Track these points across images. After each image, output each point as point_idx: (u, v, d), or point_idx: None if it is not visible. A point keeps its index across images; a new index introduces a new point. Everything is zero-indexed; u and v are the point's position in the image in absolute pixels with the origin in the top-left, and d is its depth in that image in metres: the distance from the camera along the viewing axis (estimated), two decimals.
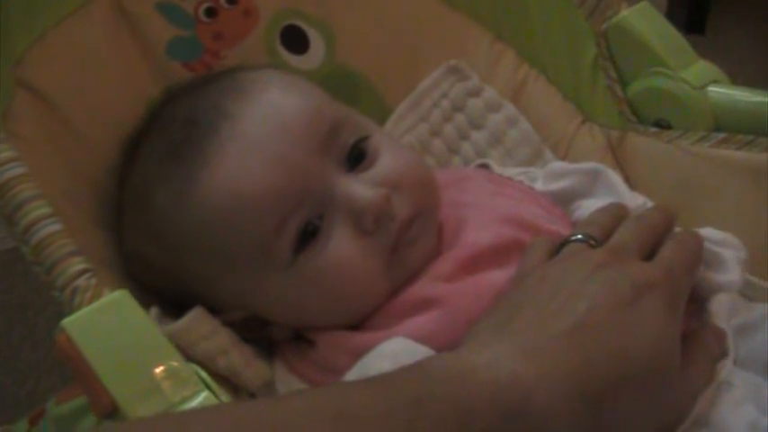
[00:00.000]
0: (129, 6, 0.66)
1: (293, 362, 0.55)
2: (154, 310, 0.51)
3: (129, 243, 0.58)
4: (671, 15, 1.30)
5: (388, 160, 0.56)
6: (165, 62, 0.68)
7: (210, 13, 0.70)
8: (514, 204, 0.60)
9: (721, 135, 0.62)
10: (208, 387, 0.42)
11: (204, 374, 0.43)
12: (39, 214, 0.49)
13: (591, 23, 0.68)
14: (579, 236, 0.50)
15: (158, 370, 0.42)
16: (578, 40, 0.70)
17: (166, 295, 0.56)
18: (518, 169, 0.68)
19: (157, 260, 0.56)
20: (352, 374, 0.47)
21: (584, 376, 0.41)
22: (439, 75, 0.74)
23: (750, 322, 0.52)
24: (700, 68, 0.65)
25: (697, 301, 0.52)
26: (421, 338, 0.48)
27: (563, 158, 0.71)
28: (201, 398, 0.41)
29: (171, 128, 0.57)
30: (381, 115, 0.73)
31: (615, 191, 0.61)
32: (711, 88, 0.63)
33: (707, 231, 0.53)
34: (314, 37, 0.74)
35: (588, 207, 0.58)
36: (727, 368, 0.48)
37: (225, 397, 0.43)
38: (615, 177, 0.62)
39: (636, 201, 0.60)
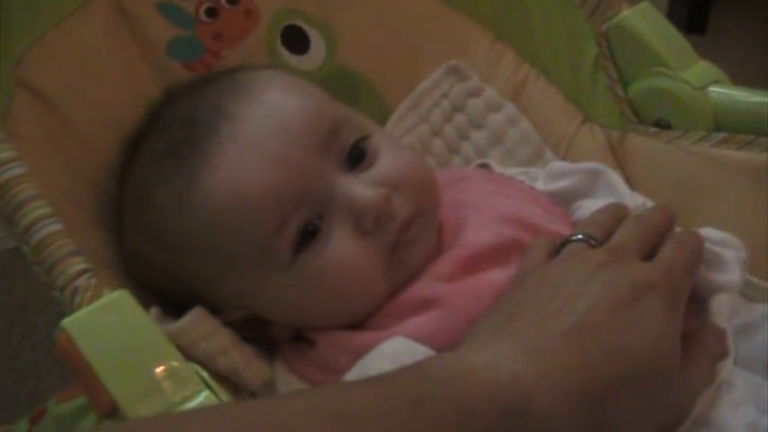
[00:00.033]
0: (129, 6, 0.66)
1: (293, 362, 0.55)
2: (154, 310, 0.51)
3: (129, 243, 0.58)
4: (672, 15, 1.30)
5: (388, 160, 0.56)
6: (165, 62, 0.68)
7: (211, 13, 0.70)
8: (515, 204, 0.60)
9: (722, 135, 0.62)
10: (208, 387, 0.42)
11: (204, 374, 0.43)
12: (39, 214, 0.49)
13: (592, 23, 0.68)
14: (579, 236, 0.50)
15: (159, 370, 0.42)
16: (579, 40, 0.70)
17: (166, 295, 0.56)
18: (519, 169, 0.68)
19: (157, 260, 0.56)
20: (353, 374, 0.47)
21: (584, 376, 0.41)
22: (439, 75, 0.74)
23: (750, 322, 0.52)
24: (700, 69, 0.65)
25: (697, 301, 0.52)
26: (421, 338, 0.48)
27: (563, 158, 0.71)
28: (202, 398, 0.41)
29: (171, 128, 0.57)
30: (382, 115, 0.73)
31: (616, 191, 0.61)
32: (712, 88, 0.63)
33: (707, 231, 0.53)
34: (314, 37, 0.74)
35: (589, 207, 0.58)
36: (727, 368, 0.48)
37: (225, 397, 0.43)
38: (616, 177, 0.62)
39: (636, 201, 0.60)
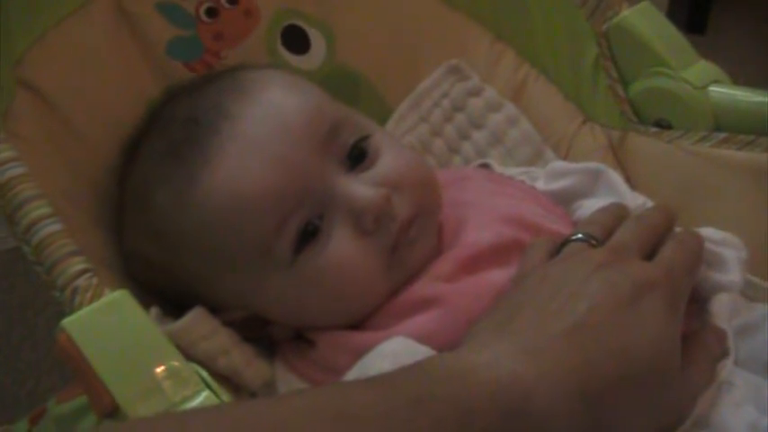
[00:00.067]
0: (130, 6, 0.67)
1: (294, 361, 0.55)
2: (154, 310, 0.51)
3: (130, 243, 0.58)
4: (672, 15, 1.30)
5: (388, 160, 0.56)
6: (165, 62, 0.68)
7: (211, 13, 0.70)
8: (515, 204, 0.60)
9: (722, 135, 0.62)
10: (208, 387, 0.42)
11: (205, 374, 0.43)
12: (39, 214, 0.49)
13: (592, 23, 0.68)
14: (580, 235, 0.50)
15: (159, 370, 0.42)
16: (579, 40, 0.69)
17: (167, 295, 0.56)
18: (519, 169, 0.68)
19: (157, 260, 0.56)
20: (353, 374, 0.47)
21: (584, 376, 0.41)
22: (439, 75, 0.74)
23: (751, 322, 0.52)
24: (701, 68, 0.65)
25: (698, 301, 0.52)
26: (421, 338, 0.48)
27: (564, 158, 0.71)
28: (202, 397, 0.41)
29: (171, 128, 0.57)
30: (382, 115, 0.73)
31: (616, 191, 0.61)
32: (712, 88, 0.63)
33: (707, 231, 0.53)
34: (315, 37, 0.74)
35: (589, 207, 0.58)
36: (727, 368, 0.48)
37: (225, 396, 0.43)
38: (616, 177, 0.62)
39: (636, 201, 0.60)
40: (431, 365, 0.40)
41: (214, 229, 0.52)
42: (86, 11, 0.64)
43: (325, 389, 0.40)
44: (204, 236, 0.53)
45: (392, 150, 0.57)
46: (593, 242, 0.50)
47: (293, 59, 0.73)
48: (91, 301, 0.46)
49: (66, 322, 0.43)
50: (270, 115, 0.54)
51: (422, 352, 0.47)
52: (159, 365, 0.42)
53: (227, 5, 0.70)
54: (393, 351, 0.47)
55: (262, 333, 0.56)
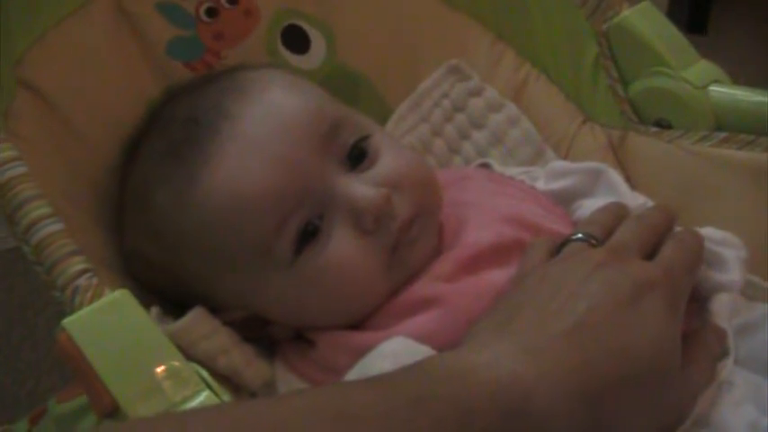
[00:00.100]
0: (130, 6, 0.67)
1: (294, 361, 0.55)
2: (154, 310, 0.51)
3: (130, 243, 0.58)
4: (672, 15, 1.30)
5: (388, 160, 0.56)
6: (165, 62, 0.68)
7: (211, 12, 0.70)
8: (515, 204, 0.60)
9: (722, 135, 0.62)
10: (209, 387, 0.42)
11: (205, 374, 0.43)
12: (39, 214, 0.49)
13: (592, 23, 0.68)
14: (580, 235, 0.51)
15: (159, 369, 0.42)
16: (579, 39, 0.70)
17: (167, 295, 0.56)
18: (520, 169, 0.68)
19: (158, 260, 0.56)
20: (353, 374, 0.47)
21: (584, 376, 0.41)
22: (440, 75, 0.74)
23: (751, 322, 0.52)
24: (701, 68, 0.65)
25: (698, 300, 0.52)
26: (421, 338, 0.48)
27: (564, 158, 0.71)
28: (202, 397, 0.41)
29: (171, 127, 0.57)
30: (382, 115, 0.73)
31: (616, 190, 0.61)
32: (712, 88, 0.63)
33: (707, 231, 0.53)
34: (315, 37, 0.74)
35: (589, 206, 0.58)
36: (727, 368, 0.48)
37: (226, 396, 0.43)
38: (616, 177, 0.62)
39: (636, 200, 0.60)
40: (431, 365, 0.40)
41: (214, 228, 0.52)
42: (86, 11, 0.64)
43: (326, 389, 0.40)
44: (204, 236, 0.53)
45: (392, 150, 0.57)
46: (593, 242, 0.50)
47: (293, 59, 0.73)
48: (91, 301, 0.46)
49: (67, 322, 0.43)
50: (270, 115, 0.54)
51: (422, 352, 0.46)
52: (159, 365, 0.42)
53: (226, 5, 0.70)
54: (393, 351, 0.47)
55: (262, 333, 0.56)
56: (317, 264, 0.53)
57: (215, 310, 0.53)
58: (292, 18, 0.73)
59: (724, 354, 0.49)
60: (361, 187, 0.53)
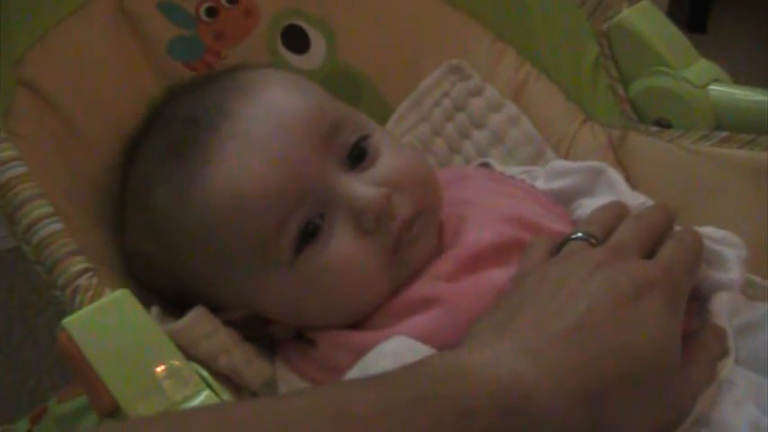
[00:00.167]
0: (130, 6, 0.67)
1: (294, 361, 0.55)
2: (155, 310, 0.51)
3: (130, 242, 0.58)
4: (672, 14, 1.30)
5: (389, 159, 0.56)
6: (166, 62, 0.68)
7: (211, 12, 0.70)
8: (515, 203, 0.60)
9: (722, 134, 0.62)
10: (209, 386, 0.42)
11: (205, 373, 0.43)
12: (39, 213, 0.49)
13: (592, 23, 0.68)
14: (580, 234, 0.51)
15: (159, 369, 0.42)
16: (579, 39, 0.70)
17: (167, 294, 0.56)
18: (520, 168, 0.68)
19: (158, 259, 0.56)
20: (353, 373, 0.47)
21: (584, 375, 0.41)
22: (440, 74, 0.74)
23: (752, 321, 0.52)
24: (701, 67, 0.65)
25: (698, 299, 0.52)
26: (421, 337, 0.48)
27: (564, 158, 0.71)
28: (203, 397, 0.41)
29: (172, 127, 0.57)
30: (382, 114, 0.73)
31: (616, 190, 0.61)
32: (713, 87, 0.63)
33: (707, 230, 0.53)
34: (315, 36, 0.74)
35: (589, 206, 0.58)
36: (728, 367, 0.48)
37: (226, 396, 0.43)
38: (616, 176, 0.62)
39: (636, 200, 0.60)
40: (431, 365, 0.40)
41: (214, 228, 0.52)
42: (87, 11, 0.64)
43: (326, 388, 0.40)
44: (205, 235, 0.53)
45: (392, 150, 0.57)
46: (593, 241, 0.50)
47: (293, 59, 0.73)
48: (92, 301, 0.46)
49: (67, 322, 0.43)
50: (270, 114, 0.54)
51: (422, 351, 0.47)
52: (160, 365, 0.42)
53: (226, 5, 0.70)
54: (393, 350, 0.47)
55: (262, 332, 0.56)
56: (318, 263, 0.53)
57: (215, 309, 0.53)
58: (292, 18, 0.73)
59: (724, 353, 0.49)
60: (361, 187, 0.53)
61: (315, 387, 0.51)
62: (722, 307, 0.51)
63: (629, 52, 0.67)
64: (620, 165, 0.69)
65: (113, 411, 0.41)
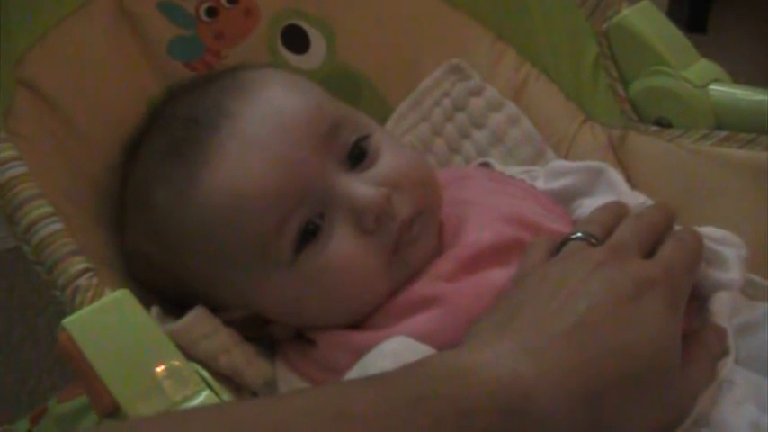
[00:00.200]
0: (130, 6, 0.67)
1: (295, 360, 0.55)
2: (155, 310, 0.51)
3: (131, 242, 0.58)
4: (672, 14, 1.30)
5: (389, 159, 0.56)
6: (166, 62, 0.68)
7: (211, 12, 0.70)
8: (516, 203, 0.60)
9: (723, 134, 0.62)
10: (209, 386, 0.42)
11: (205, 373, 0.43)
12: (40, 213, 0.49)
13: (592, 23, 0.68)
14: (579, 234, 0.50)
15: (159, 369, 0.42)
16: (579, 39, 0.69)
17: (167, 294, 0.56)
18: (520, 168, 0.68)
19: (158, 259, 0.56)
20: (353, 373, 0.47)
21: (584, 375, 0.41)
22: (440, 74, 0.74)
23: (752, 321, 0.52)
24: (701, 67, 0.65)
25: (698, 299, 0.52)
26: (422, 337, 0.48)
27: (564, 158, 0.71)
28: (203, 397, 0.41)
29: (172, 127, 0.57)
30: (383, 114, 0.73)
31: (616, 189, 0.61)
32: (713, 87, 0.63)
33: (707, 230, 0.53)
34: (315, 36, 0.74)
35: (589, 206, 0.58)
36: (728, 366, 0.48)
37: (226, 396, 0.43)
38: (616, 176, 0.62)
39: (636, 199, 0.60)
40: (431, 364, 0.40)
41: (214, 228, 0.52)
42: (87, 11, 0.64)
43: (326, 388, 0.40)
44: (205, 235, 0.53)
45: (392, 150, 0.57)
46: (593, 241, 0.50)
47: (293, 59, 0.73)
48: (92, 301, 0.46)
49: (67, 322, 0.43)
50: (270, 114, 0.54)
51: (422, 351, 0.47)
52: (160, 365, 0.42)
53: (226, 5, 0.70)
54: (393, 350, 0.47)
55: (262, 332, 0.56)
56: (318, 263, 0.53)
57: (215, 309, 0.53)
58: (292, 18, 0.73)
59: (724, 353, 0.49)
60: (361, 187, 0.53)
61: (315, 387, 0.51)
62: (722, 306, 0.51)
63: (629, 52, 0.67)
64: (620, 165, 0.69)
65: (113, 411, 0.41)
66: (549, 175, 0.64)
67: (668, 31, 0.66)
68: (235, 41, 0.70)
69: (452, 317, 0.51)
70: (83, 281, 0.47)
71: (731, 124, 0.62)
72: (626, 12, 0.67)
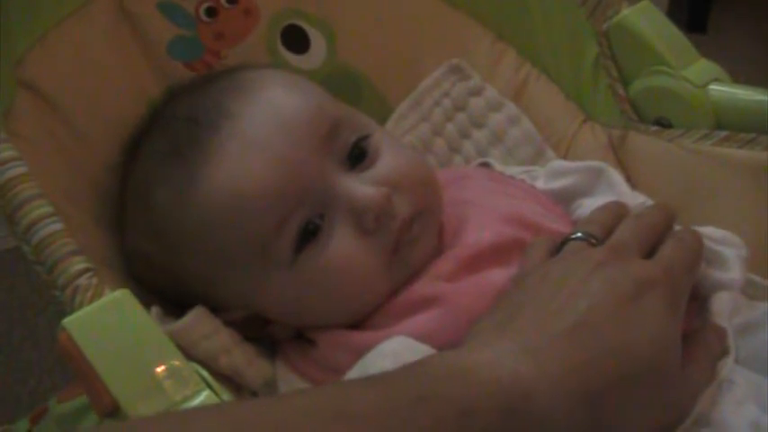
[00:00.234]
0: (130, 6, 0.67)
1: (295, 361, 0.55)
2: (155, 310, 0.51)
3: (131, 242, 0.59)
4: (672, 14, 1.30)
5: (389, 159, 0.56)
6: (166, 62, 0.68)
7: (211, 12, 0.70)
8: (516, 203, 0.60)
9: (723, 133, 0.62)
10: (209, 386, 0.42)
11: (205, 373, 0.43)
12: (40, 213, 0.49)
13: (592, 23, 0.68)
14: (579, 234, 0.50)
15: (159, 369, 0.42)
16: (580, 39, 0.70)
17: (167, 294, 0.56)
18: (520, 168, 0.68)
19: (158, 259, 0.56)
20: (354, 373, 0.47)
21: (585, 375, 0.41)
22: (440, 74, 0.74)
23: (752, 321, 0.52)
24: (701, 67, 0.65)
25: (698, 299, 0.52)
26: (422, 337, 0.48)
27: (564, 158, 0.71)
28: (203, 397, 0.41)
29: (172, 127, 0.57)
30: (383, 114, 0.73)
31: (616, 189, 0.61)
32: (713, 87, 0.63)
33: (707, 230, 0.53)
34: (315, 36, 0.74)
35: (589, 206, 0.58)
36: (728, 366, 0.48)
37: (226, 396, 0.43)
38: (616, 176, 0.62)
39: (636, 199, 0.60)
40: (431, 364, 0.40)
41: (214, 228, 0.52)
42: (87, 11, 0.64)
43: (326, 388, 0.40)
44: (205, 235, 0.53)
45: (392, 150, 0.57)
46: (593, 241, 0.50)
47: (293, 59, 0.73)
48: (92, 301, 0.46)
49: (67, 322, 0.43)
50: (270, 114, 0.54)
51: (422, 351, 0.47)
52: (160, 365, 0.42)
53: (226, 5, 0.70)
54: (394, 350, 0.47)
55: (263, 332, 0.56)
56: (318, 263, 0.53)
57: (216, 309, 0.53)
58: (292, 18, 0.73)
59: (724, 353, 0.49)
60: (361, 187, 0.53)
61: (315, 387, 0.51)
62: (722, 306, 0.51)
63: (629, 52, 0.67)
64: (621, 165, 0.69)
65: (113, 411, 0.41)
66: (549, 175, 0.64)
67: (668, 30, 0.66)
68: (234, 41, 0.70)
69: (452, 317, 0.51)
70: (83, 281, 0.47)
71: (731, 124, 0.62)
72: (626, 12, 0.67)
